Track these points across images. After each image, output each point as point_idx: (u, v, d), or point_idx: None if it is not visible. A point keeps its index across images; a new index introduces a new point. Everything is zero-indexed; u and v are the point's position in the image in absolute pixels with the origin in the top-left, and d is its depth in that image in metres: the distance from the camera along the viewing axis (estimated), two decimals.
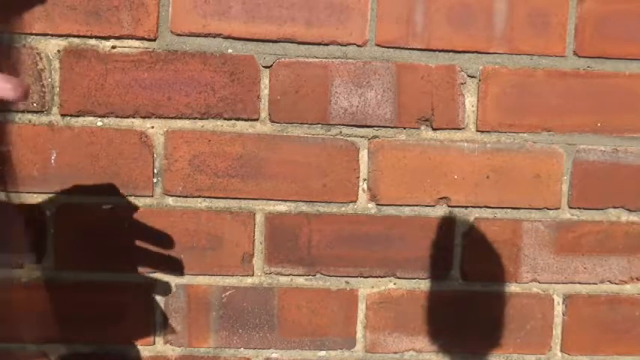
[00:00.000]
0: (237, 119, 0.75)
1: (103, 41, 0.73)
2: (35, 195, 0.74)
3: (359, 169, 0.77)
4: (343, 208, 0.78)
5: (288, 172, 0.76)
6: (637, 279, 0.81)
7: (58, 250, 0.75)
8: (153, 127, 0.75)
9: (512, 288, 0.80)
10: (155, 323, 0.77)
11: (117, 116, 0.74)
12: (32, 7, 0.72)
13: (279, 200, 0.77)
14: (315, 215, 0.77)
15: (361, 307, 0.79)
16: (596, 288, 0.81)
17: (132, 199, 0.75)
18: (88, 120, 0.74)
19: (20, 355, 0.76)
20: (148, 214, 0.76)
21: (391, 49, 0.76)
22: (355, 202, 0.78)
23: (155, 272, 0.77)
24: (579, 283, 0.81)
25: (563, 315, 0.81)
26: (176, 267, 0.77)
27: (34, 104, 0.73)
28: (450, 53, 0.76)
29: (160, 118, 0.75)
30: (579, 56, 0.77)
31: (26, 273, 0.75)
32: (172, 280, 0.77)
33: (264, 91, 0.75)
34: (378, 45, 0.76)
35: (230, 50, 0.74)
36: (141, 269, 0.76)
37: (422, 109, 0.77)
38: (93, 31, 0.73)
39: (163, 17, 0.73)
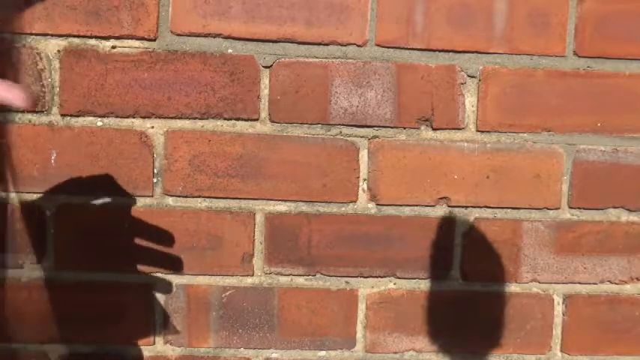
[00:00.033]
0: (237, 119, 0.75)
1: (103, 41, 0.73)
2: (35, 195, 0.74)
3: (359, 169, 0.77)
4: (343, 208, 0.78)
5: (288, 172, 0.77)
6: (637, 279, 0.81)
7: (58, 250, 0.75)
8: (153, 127, 0.75)
9: (512, 288, 0.80)
10: (155, 323, 0.77)
11: (117, 116, 0.74)
12: (32, 7, 0.72)
13: (279, 200, 0.77)
14: (315, 215, 0.77)
15: (361, 307, 0.79)
16: (596, 288, 0.81)
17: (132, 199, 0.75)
18: (88, 120, 0.74)
19: (20, 355, 0.76)
20: (148, 214, 0.76)
21: (391, 49, 0.76)
22: (355, 202, 0.78)
23: (155, 271, 0.77)
24: (579, 283, 0.81)
25: (563, 315, 0.81)
26: (176, 265, 0.77)
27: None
28: (450, 53, 0.76)
29: (159, 118, 0.75)
30: (579, 56, 0.78)
31: (26, 273, 0.75)
32: (172, 279, 0.77)
33: (264, 91, 0.75)
34: (378, 45, 0.76)
35: (230, 50, 0.74)
36: (141, 268, 0.76)
37: (422, 109, 0.77)
38: (93, 31, 0.73)
39: (163, 17, 0.73)
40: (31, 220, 0.74)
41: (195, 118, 0.75)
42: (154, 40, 0.73)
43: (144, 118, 0.74)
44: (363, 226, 0.78)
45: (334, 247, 0.78)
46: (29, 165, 0.74)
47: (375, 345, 0.80)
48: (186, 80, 0.74)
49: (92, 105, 0.74)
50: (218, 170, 0.76)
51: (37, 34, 0.72)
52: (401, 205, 0.78)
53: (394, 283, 0.79)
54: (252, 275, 0.78)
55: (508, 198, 0.79)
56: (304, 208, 0.77)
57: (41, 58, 0.73)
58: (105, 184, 0.75)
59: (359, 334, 0.80)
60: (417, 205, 0.78)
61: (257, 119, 0.76)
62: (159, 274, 0.77)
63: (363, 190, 0.77)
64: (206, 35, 0.74)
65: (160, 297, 0.77)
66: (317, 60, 0.75)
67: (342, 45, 0.75)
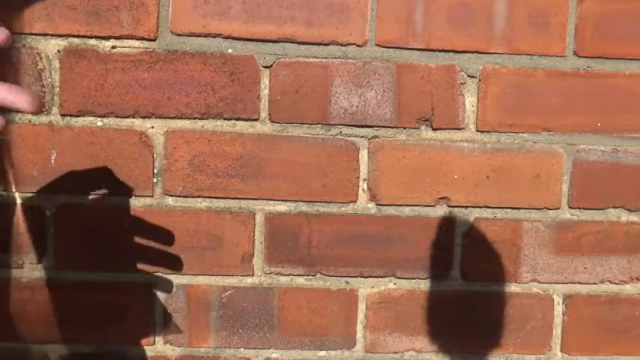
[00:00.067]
0: (237, 119, 0.75)
1: (103, 41, 0.73)
2: (35, 195, 0.74)
3: (359, 169, 0.77)
4: (343, 208, 0.78)
5: (288, 172, 0.77)
6: (637, 279, 0.81)
7: (58, 250, 0.75)
8: (153, 127, 0.75)
9: (512, 288, 0.80)
10: (155, 323, 0.77)
11: (117, 116, 0.74)
12: (32, 7, 0.72)
13: (279, 200, 0.77)
14: (315, 215, 0.77)
15: (361, 307, 0.79)
16: (596, 288, 0.81)
17: (132, 199, 0.75)
18: (88, 120, 0.74)
19: (20, 355, 0.76)
20: (148, 214, 0.76)
21: (391, 49, 0.76)
22: (355, 202, 0.78)
23: (155, 270, 0.77)
24: (579, 283, 0.81)
25: (563, 315, 0.81)
26: (176, 265, 0.77)
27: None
28: (450, 53, 0.76)
29: (160, 118, 0.75)
30: (579, 56, 0.78)
31: (26, 273, 0.75)
32: (172, 279, 0.77)
33: (264, 91, 0.75)
34: (378, 45, 0.76)
35: (230, 50, 0.74)
36: (141, 268, 0.76)
37: (422, 109, 0.77)
38: (93, 31, 0.73)
39: (163, 17, 0.73)
40: (31, 220, 0.74)
41: (195, 118, 0.75)
42: (154, 40, 0.73)
43: (144, 118, 0.74)
44: (363, 226, 0.78)
45: (334, 247, 0.78)
46: (29, 165, 0.74)
47: (375, 345, 0.80)
48: (186, 80, 0.74)
49: (92, 105, 0.74)
50: (218, 170, 0.76)
51: (37, 34, 0.72)
52: (401, 205, 0.78)
53: (394, 283, 0.79)
54: (252, 275, 0.78)
55: (508, 198, 0.79)
56: (304, 208, 0.77)
57: (41, 58, 0.73)
58: (105, 179, 0.75)
59: (359, 334, 0.80)
60: (417, 205, 0.78)
61: (257, 119, 0.76)
62: (159, 274, 0.77)
63: (363, 190, 0.77)
64: (206, 35, 0.74)
65: (160, 297, 0.77)
66: (317, 60, 0.75)
67: (342, 45, 0.75)
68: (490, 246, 0.79)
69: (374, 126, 0.77)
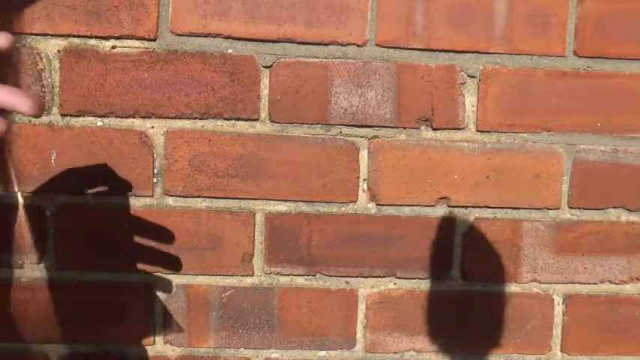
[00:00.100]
0: (237, 119, 0.75)
1: (103, 41, 0.73)
2: (35, 195, 0.74)
3: (359, 169, 0.77)
4: (343, 208, 0.78)
5: (288, 172, 0.77)
6: (637, 279, 0.81)
7: (58, 250, 0.75)
8: (153, 127, 0.75)
9: (512, 288, 0.80)
10: (155, 323, 0.77)
11: (117, 116, 0.74)
12: (32, 6, 0.72)
13: (279, 200, 0.77)
14: (315, 215, 0.77)
15: (361, 307, 0.79)
16: (596, 288, 0.81)
17: (132, 198, 0.75)
18: (88, 120, 0.74)
19: (20, 355, 0.76)
20: (148, 214, 0.76)
21: (391, 49, 0.76)
22: (355, 202, 0.78)
23: (155, 270, 0.77)
24: (579, 283, 0.81)
25: (563, 315, 0.81)
26: (175, 264, 0.77)
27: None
28: (450, 53, 0.76)
29: (160, 118, 0.75)
30: (579, 56, 0.78)
31: (26, 273, 0.75)
32: (172, 279, 0.77)
33: (264, 91, 0.75)
34: (378, 45, 0.76)
35: (230, 50, 0.74)
36: (141, 267, 0.76)
37: (422, 109, 0.77)
38: (93, 31, 0.73)
39: (163, 17, 0.73)
40: (31, 220, 0.74)
41: (195, 118, 0.75)
42: (154, 40, 0.73)
43: (144, 118, 0.74)
44: (363, 226, 0.78)
45: (334, 247, 0.78)
46: (29, 165, 0.74)
47: (375, 345, 0.80)
48: (186, 80, 0.74)
49: (92, 105, 0.74)
50: (218, 170, 0.76)
51: (37, 34, 0.72)
52: (401, 205, 0.78)
53: (394, 283, 0.79)
54: (252, 275, 0.78)
55: (508, 198, 0.79)
56: (304, 208, 0.77)
57: (41, 58, 0.73)
58: (104, 176, 0.75)
59: (359, 334, 0.80)
60: (417, 205, 0.78)
61: (257, 119, 0.76)
62: (159, 274, 0.77)
63: (363, 190, 0.77)
64: (206, 35, 0.74)
65: (160, 297, 0.77)
66: (317, 60, 0.75)
67: (342, 45, 0.75)
68: (490, 246, 0.79)
69: (374, 126, 0.77)
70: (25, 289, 0.75)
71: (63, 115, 0.74)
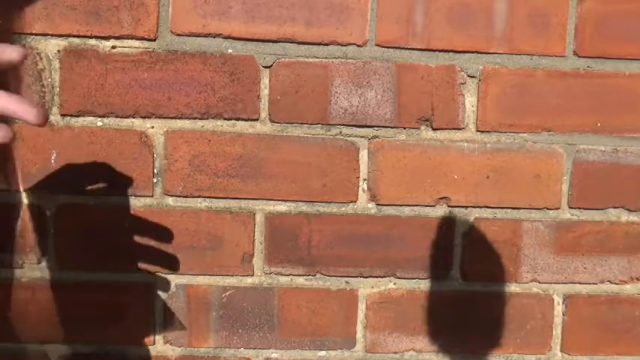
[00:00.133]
0: (237, 119, 0.75)
1: (103, 41, 0.73)
2: (35, 195, 0.74)
3: (359, 169, 0.77)
4: (343, 208, 0.78)
5: (288, 172, 0.77)
6: (637, 279, 0.81)
7: (58, 250, 0.75)
8: (153, 127, 0.75)
9: (512, 288, 0.80)
10: (155, 323, 0.77)
11: (117, 116, 0.74)
12: (32, 6, 0.72)
13: (279, 200, 0.77)
14: (315, 215, 0.77)
15: (361, 307, 0.79)
16: (596, 288, 0.81)
17: (132, 198, 0.75)
18: (88, 120, 0.74)
19: (20, 355, 0.76)
20: (148, 214, 0.76)
21: (391, 49, 0.76)
22: (355, 202, 0.78)
23: (155, 270, 0.77)
24: (579, 283, 0.81)
25: (563, 315, 0.81)
26: (173, 263, 0.77)
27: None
28: (450, 53, 0.76)
29: (160, 118, 0.75)
30: (579, 56, 0.78)
31: (26, 273, 0.75)
32: (172, 279, 0.77)
33: (264, 91, 0.75)
34: (378, 45, 0.76)
35: (230, 50, 0.74)
36: (141, 267, 0.76)
37: (422, 109, 0.77)
38: (93, 31, 0.73)
39: (163, 17, 0.73)
40: (31, 220, 0.75)
41: (195, 118, 0.75)
42: (154, 40, 0.73)
43: (144, 118, 0.74)
44: (363, 226, 0.78)
45: (334, 247, 0.78)
46: (29, 165, 0.74)
47: (375, 345, 0.80)
48: (186, 80, 0.74)
49: (92, 105, 0.74)
50: (218, 170, 0.76)
51: (37, 34, 0.72)
52: (401, 205, 0.78)
53: (394, 283, 0.79)
54: (252, 275, 0.78)
55: (508, 198, 0.79)
56: (304, 208, 0.77)
57: (41, 58, 0.73)
58: (104, 174, 0.75)
59: (359, 334, 0.80)
60: (417, 205, 0.78)
61: (257, 119, 0.76)
62: (159, 274, 0.77)
63: (363, 190, 0.77)
64: (206, 35, 0.74)
65: (160, 297, 0.77)
66: (317, 60, 0.75)
67: (342, 45, 0.75)
68: (490, 246, 0.79)
69: (374, 126, 0.77)
70: (25, 289, 0.75)
71: (63, 115, 0.74)
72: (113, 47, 0.73)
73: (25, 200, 0.74)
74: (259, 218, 0.77)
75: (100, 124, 0.74)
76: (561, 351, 0.82)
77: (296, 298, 0.79)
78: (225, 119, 0.75)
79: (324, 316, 0.79)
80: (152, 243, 0.76)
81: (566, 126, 0.78)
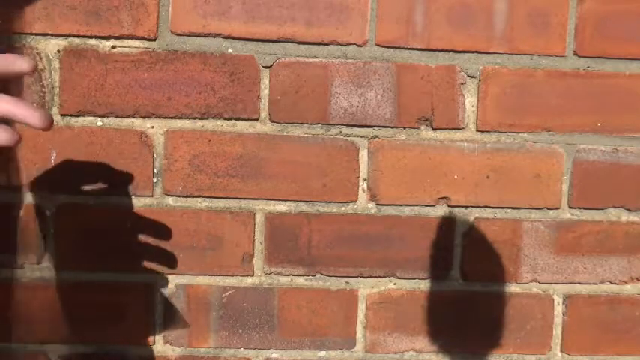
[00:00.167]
0: (237, 119, 0.75)
1: (103, 41, 0.73)
2: (35, 195, 0.74)
3: (359, 169, 0.77)
4: (343, 208, 0.78)
5: (288, 172, 0.77)
6: (637, 279, 0.81)
7: (58, 250, 0.75)
8: (153, 127, 0.75)
9: (512, 288, 0.80)
10: (155, 323, 0.77)
11: (117, 116, 0.74)
12: (32, 6, 0.72)
13: (279, 200, 0.77)
14: (315, 215, 0.77)
15: (361, 307, 0.79)
16: (596, 288, 0.81)
17: (132, 198, 0.75)
18: (88, 120, 0.74)
19: (20, 355, 0.76)
20: (148, 214, 0.76)
21: (391, 49, 0.76)
22: (355, 202, 0.78)
23: (155, 270, 0.77)
24: (579, 283, 0.81)
25: (563, 315, 0.81)
26: (171, 262, 0.77)
27: (34, 104, 0.73)
28: (450, 53, 0.76)
29: (160, 118, 0.75)
30: (579, 56, 0.78)
31: (26, 273, 0.75)
32: (172, 279, 0.77)
33: (264, 91, 0.75)
34: (378, 45, 0.76)
35: (230, 50, 0.74)
36: (141, 267, 0.76)
37: (422, 109, 0.77)
38: (93, 31, 0.73)
39: (163, 17, 0.73)
40: (31, 220, 0.74)
41: (195, 118, 0.75)
42: (154, 40, 0.73)
43: (144, 118, 0.74)
44: (363, 226, 0.78)
45: (334, 247, 0.78)
46: (29, 165, 0.74)
47: (375, 345, 0.80)
48: (186, 80, 0.74)
49: (92, 105, 0.74)
50: (218, 170, 0.76)
51: (37, 34, 0.72)
52: (401, 205, 0.78)
53: (394, 283, 0.79)
54: (252, 275, 0.78)
55: (508, 198, 0.79)
56: (304, 208, 0.77)
57: (41, 58, 0.73)
58: (104, 174, 0.75)
59: (359, 334, 0.80)
60: (417, 205, 0.78)
61: (257, 119, 0.76)
62: (159, 274, 0.77)
63: (363, 190, 0.77)
64: (206, 35, 0.74)
65: (160, 297, 0.77)
66: (317, 60, 0.75)
67: (342, 45, 0.75)
68: (490, 246, 0.79)
69: (374, 126, 0.77)
70: (25, 289, 0.75)
71: (63, 115, 0.74)
72: (113, 47, 0.73)
73: (25, 200, 0.74)
74: (259, 218, 0.77)
75: (100, 124, 0.74)
76: (561, 351, 0.82)
77: (296, 298, 0.79)
78: (225, 119, 0.75)
79: (324, 316, 0.79)
80: (152, 242, 0.76)
81: (566, 126, 0.78)
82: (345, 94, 0.76)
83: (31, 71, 0.49)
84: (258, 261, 0.78)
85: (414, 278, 0.79)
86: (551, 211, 0.79)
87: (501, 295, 0.80)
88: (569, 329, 0.81)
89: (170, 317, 0.77)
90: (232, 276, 0.78)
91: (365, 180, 0.77)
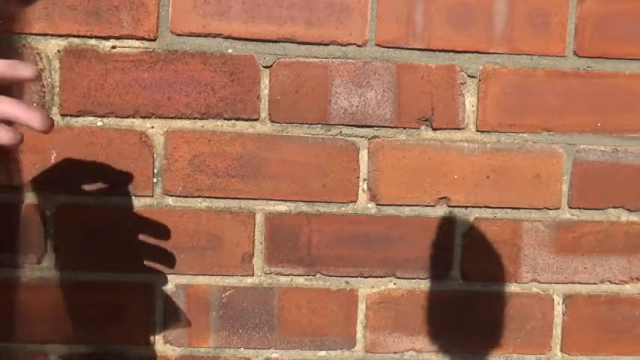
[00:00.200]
0: (237, 119, 0.75)
1: (103, 41, 0.73)
2: (35, 195, 0.74)
3: (359, 169, 0.77)
4: (343, 208, 0.78)
5: (288, 172, 0.77)
6: (637, 279, 0.81)
7: (58, 250, 0.75)
8: (153, 127, 0.75)
9: (512, 288, 0.80)
10: (155, 323, 0.77)
11: (117, 116, 0.74)
12: (32, 6, 0.72)
13: (279, 200, 0.77)
14: (315, 215, 0.77)
15: (361, 307, 0.79)
16: (596, 288, 0.81)
17: (132, 198, 0.75)
18: (88, 120, 0.74)
19: (20, 355, 0.76)
20: (148, 214, 0.76)
21: (391, 49, 0.76)
22: (355, 202, 0.78)
23: (155, 270, 0.77)
24: (579, 283, 0.81)
25: (563, 315, 0.81)
26: (169, 261, 0.77)
27: (34, 104, 0.73)
28: (450, 53, 0.76)
29: (160, 118, 0.75)
30: (579, 56, 0.78)
31: (26, 273, 0.75)
32: (172, 280, 0.77)
33: (264, 91, 0.75)
34: (378, 45, 0.76)
35: (230, 50, 0.74)
36: (141, 267, 0.76)
37: (422, 109, 0.77)
38: (93, 31, 0.73)
39: (163, 17, 0.73)
40: (31, 220, 0.74)
41: (195, 118, 0.75)
42: (154, 40, 0.73)
43: (144, 118, 0.74)
44: (363, 226, 0.78)
45: (334, 247, 0.78)
46: (29, 165, 0.74)
47: (375, 345, 0.80)
48: (186, 80, 0.74)
49: (92, 105, 0.74)
50: (218, 170, 0.76)
51: (37, 34, 0.72)
52: (401, 205, 0.78)
53: (394, 283, 0.79)
54: (252, 275, 0.78)
55: (508, 198, 0.79)
56: (304, 208, 0.77)
57: (41, 58, 0.73)
58: (104, 174, 0.75)
59: (359, 334, 0.80)
60: (417, 205, 0.78)
61: (257, 119, 0.76)
62: (159, 274, 0.77)
63: (363, 190, 0.77)
64: (206, 35, 0.74)
65: (160, 297, 0.77)
66: (317, 60, 0.75)
67: (342, 45, 0.75)
68: (490, 246, 0.79)
69: (374, 126, 0.77)
70: (25, 289, 0.75)
71: (63, 115, 0.74)
72: (113, 47, 0.73)
73: (25, 200, 0.74)
74: (259, 218, 0.77)
75: (100, 124, 0.74)
76: (561, 351, 0.82)
77: (296, 298, 0.79)
78: (225, 119, 0.75)
79: (324, 316, 0.79)
80: (152, 242, 0.76)
81: (566, 126, 0.78)
82: (345, 94, 0.76)
83: (33, 78, 0.50)
84: (258, 261, 0.78)
85: (414, 278, 0.79)
86: (551, 211, 0.79)
87: (501, 295, 0.80)
88: (569, 329, 0.81)
89: (170, 317, 0.77)
90: (232, 276, 0.78)
91: (365, 180, 0.77)
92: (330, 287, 0.79)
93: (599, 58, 0.78)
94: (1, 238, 0.74)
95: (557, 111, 0.78)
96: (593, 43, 0.77)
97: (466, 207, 0.79)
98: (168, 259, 0.76)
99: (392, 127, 0.77)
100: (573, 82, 0.78)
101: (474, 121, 0.77)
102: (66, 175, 0.74)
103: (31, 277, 0.75)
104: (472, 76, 0.77)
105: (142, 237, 0.76)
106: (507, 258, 0.80)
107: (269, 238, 0.77)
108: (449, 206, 0.78)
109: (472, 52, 0.76)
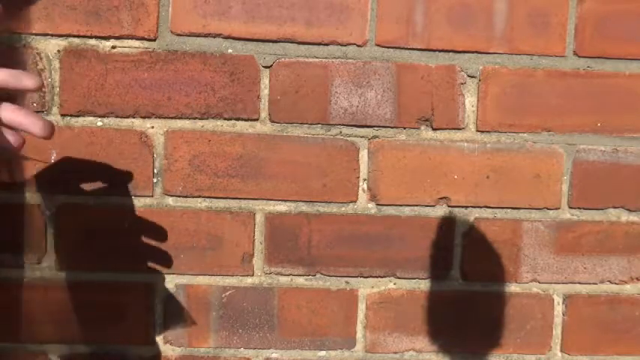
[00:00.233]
0: (237, 119, 0.75)
1: (103, 41, 0.73)
2: (35, 195, 0.74)
3: (359, 169, 0.77)
4: (343, 208, 0.78)
5: (288, 172, 0.77)
6: (637, 279, 0.81)
7: (58, 250, 0.75)
8: (153, 127, 0.75)
9: (512, 288, 0.80)
10: (155, 323, 0.77)
11: (117, 116, 0.74)
12: (32, 6, 0.72)
13: (279, 200, 0.77)
14: (315, 215, 0.77)
15: (361, 307, 0.79)
16: (596, 288, 0.81)
17: (132, 198, 0.75)
18: (88, 120, 0.74)
19: (20, 355, 0.76)
20: (148, 214, 0.76)
21: (391, 49, 0.76)
22: (355, 202, 0.78)
23: (155, 270, 0.77)
24: (579, 283, 0.81)
25: (563, 315, 0.81)
26: (167, 261, 0.77)
27: (34, 104, 0.73)
28: (450, 53, 0.76)
29: (160, 118, 0.75)
30: (579, 56, 0.78)
31: (26, 273, 0.75)
32: (172, 280, 0.77)
33: (264, 91, 0.75)
34: (378, 45, 0.76)
35: (230, 50, 0.74)
36: (141, 267, 0.76)
37: (422, 109, 0.77)
38: (93, 31, 0.73)
39: (163, 17, 0.73)
40: (31, 220, 0.74)
41: (195, 118, 0.75)
42: (154, 40, 0.73)
43: (144, 118, 0.74)
44: (363, 226, 0.78)
45: (334, 247, 0.78)
46: (29, 165, 0.74)
47: (375, 345, 0.80)
48: (186, 80, 0.74)
49: (92, 105, 0.74)
50: (218, 170, 0.76)
51: (37, 34, 0.72)
52: (401, 205, 0.78)
53: (394, 283, 0.79)
54: (252, 275, 0.78)
55: (508, 198, 0.79)
56: (304, 208, 0.77)
57: (41, 58, 0.73)
58: (104, 174, 0.75)
59: (359, 334, 0.80)
60: (417, 205, 0.78)
61: (257, 119, 0.76)
62: (159, 274, 0.77)
63: (363, 190, 0.77)
64: (206, 35, 0.74)
65: (160, 297, 0.77)
66: (317, 60, 0.75)
67: (342, 45, 0.75)
68: (490, 246, 0.79)
69: (374, 126, 0.77)
70: (25, 289, 0.75)
71: (63, 115, 0.74)
72: (113, 47, 0.73)
73: (25, 200, 0.74)
74: (259, 218, 0.77)
75: (100, 124, 0.74)
76: (561, 351, 0.82)
77: (296, 298, 0.79)
78: (225, 119, 0.75)
79: (324, 316, 0.79)
80: (152, 242, 0.76)
81: (566, 126, 0.78)
82: (345, 94, 0.76)
83: (36, 89, 0.50)
84: (258, 261, 0.78)
85: (414, 278, 0.79)
86: (551, 211, 0.79)
87: (501, 295, 0.80)
88: (569, 329, 0.81)
89: (170, 317, 0.77)
90: (232, 276, 0.78)
91: (365, 180, 0.77)
92: (330, 287, 0.79)
93: (599, 58, 0.78)
94: (1, 238, 0.74)
95: (557, 111, 0.78)
96: (593, 43, 0.77)
97: (466, 207, 0.79)
98: (169, 260, 0.76)
99: (392, 127, 0.77)
100: (573, 82, 0.78)
101: (473, 121, 0.77)
102: (66, 175, 0.74)
103: (31, 277, 0.75)
104: (472, 76, 0.77)
105: (142, 237, 0.76)
106: (507, 258, 0.80)
107: (269, 238, 0.77)
108: (449, 206, 0.78)
109: (472, 52, 0.76)
